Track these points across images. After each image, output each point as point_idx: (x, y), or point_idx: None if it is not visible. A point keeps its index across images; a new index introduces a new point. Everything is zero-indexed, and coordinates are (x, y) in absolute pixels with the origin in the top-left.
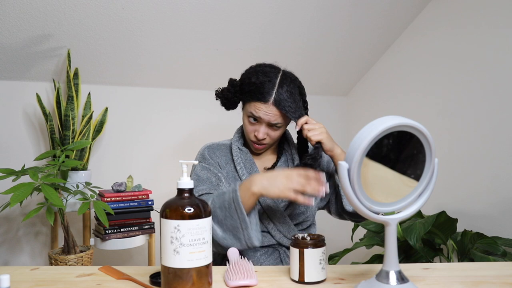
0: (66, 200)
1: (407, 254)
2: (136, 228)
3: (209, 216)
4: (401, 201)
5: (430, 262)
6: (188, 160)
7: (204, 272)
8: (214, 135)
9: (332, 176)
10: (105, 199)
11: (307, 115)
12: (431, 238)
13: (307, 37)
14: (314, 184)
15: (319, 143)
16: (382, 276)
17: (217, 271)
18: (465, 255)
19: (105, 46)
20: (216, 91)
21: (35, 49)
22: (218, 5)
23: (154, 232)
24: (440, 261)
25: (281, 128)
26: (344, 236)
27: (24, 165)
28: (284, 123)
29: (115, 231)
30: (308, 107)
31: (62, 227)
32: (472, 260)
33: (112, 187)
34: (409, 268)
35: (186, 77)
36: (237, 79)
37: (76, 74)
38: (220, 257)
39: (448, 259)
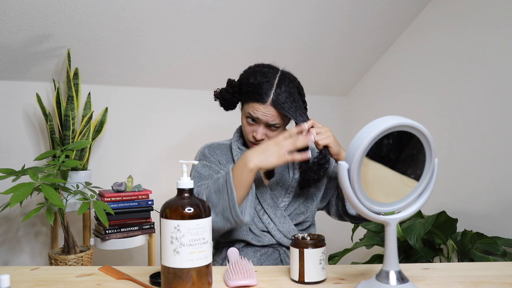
0: (66, 200)
1: (407, 254)
2: (136, 228)
3: (209, 216)
4: (401, 201)
5: (430, 262)
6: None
7: (204, 272)
8: (214, 135)
9: (334, 179)
10: (105, 199)
11: (306, 115)
12: (431, 238)
13: (307, 37)
14: (301, 138)
15: (326, 147)
16: (382, 276)
17: (217, 271)
18: (465, 255)
19: (105, 46)
20: (214, 91)
21: (35, 49)
22: (218, 5)
23: (154, 232)
24: (440, 261)
25: (280, 128)
26: (344, 236)
27: (24, 165)
28: (283, 123)
29: (115, 231)
30: (307, 107)
31: (62, 227)
32: (472, 260)
33: (112, 187)
34: (409, 268)
35: (186, 77)
36: (236, 80)
37: (76, 74)
38: (220, 257)
39: (448, 259)
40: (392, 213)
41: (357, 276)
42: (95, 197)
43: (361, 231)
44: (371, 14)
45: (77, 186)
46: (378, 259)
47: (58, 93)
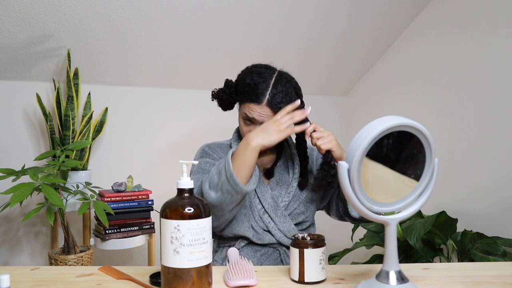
0: (66, 200)
1: (407, 254)
2: (136, 228)
3: (209, 216)
4: (401, 201)
5: (430, 262)
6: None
7: (204, 272)
8: (214, 135)
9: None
10: (105, 199)
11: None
12: (431, 238)
13: (307, 37)
14: (297, 112)
15: (329, 151)
16: (382, 276)
17: (217, 271)
18: (465, 255)
19: (105, 46)
20: (212, 92)
21: (35, 49)
22: (218, 5)
23: (154, 232)
24: (440, 261)
25: None
26: (344, 236)
27: (24, 165)
28: None
29: (115, 231)
30: (305, 107)
31: (62, 227)
32: (472, 260)
33: (112, 187)
34: (409, 268)
35: (186, 77)
36: (233, 80)
37: (76, 74)
38: (220, 257)
39: (448, 259)
40: (392, 213)
41: (357, 276)
42: (95, 197)
43: (361, 231)
44: (371, 14)
45: (77, 186)
46: (378, 259)
47: (58, 93)
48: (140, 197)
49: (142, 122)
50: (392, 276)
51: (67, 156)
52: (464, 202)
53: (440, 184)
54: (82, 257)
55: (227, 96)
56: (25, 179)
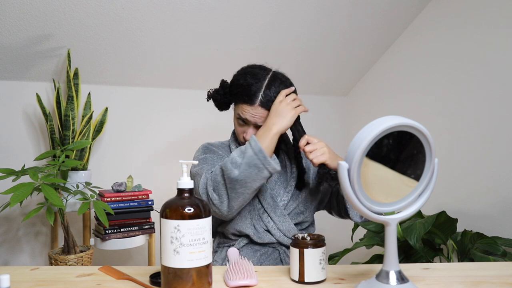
0: (66, 200)
1: (407, 254)
2: (136, 228)
3: (209, 216)
4: (401, 201)
5: (430, 262)
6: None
7: (204, 272)
8: (214, 135)
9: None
10: (105, 199)
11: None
12: (431, 238)
13: (307, 37)
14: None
15: (323, 164)
16: (382, 276)
17: (217, 271)
18: (465, 255)
19: (105, 46)
20: (208, 92)
21: (35, 49)
22: (218, 5)
23: (154, 232)
24: (440, 261)
25: None
26: (344, 236)
27: (24, 165)
28: None
29: (115, 231)
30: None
31: (62, 227)
32: (472, 260)
33: (112, 187)
34: (409, 268)
35: (186, 77)
36: (228, 81)
37: (76, 74)
38: (220, 257)
39: (448, 259)
40: (392, 213)
41: (357, 276)
42: (95, 197)
43: (361, 231)
44: (371, 14)
45: (77, 186)
46: (378, 259)
47: (58, 93)
48: (140, 197)
49: (142, 122)
50: (392, 276)
51: (67, 156)
52: (464, 202)
53: (440, 184)
54: (82, 257)
55: (221, 96)
56: (25, 179)
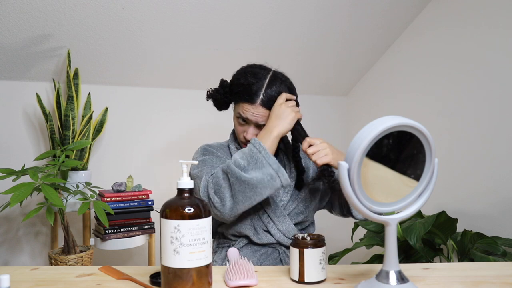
0: (66, 200)
1: (407, 254)
2: (136, 228)
3: (209, 216)
4: (401, 201)
5: (430, 262)
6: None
7: (204, 272)
8: (214, 135)
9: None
10: (105, 199)
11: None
12: (431, 238)
13: (307, 37)
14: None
15: (326, 164)
16: (382, 276)
17: (217, 271)
18: (465, 255)
19: (105, 46)
20: (207, 91)
21: (35, 49)
22: (218, 5)
23: (154, 232)
24: (440, 261)
25: None
26: (344, 236)
27: (24, 165)
28: None
29: (115, 231)
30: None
31: (62, 227)
32: (472, 260)
33: (112, 187)
34: (409, 268)
35: (186, 77)
36: (228, 80)
37: (76, 74)
38: (220, 257)
39: (448, 259)
40: (392, 213)
41: (357, 276)
42: (95, 197)
43: (361, 231)
44: (371, 14)
45: (77, 186)
46: (378, 259)
47: (58, 93)
48: (140, 197)
49: (142, 122)
50: (392, 276)
51: (67, 156)
52: (464, 202)
53: (440, 184)
54: (82, 257)
55: (221, 96)
56: (25, 179)
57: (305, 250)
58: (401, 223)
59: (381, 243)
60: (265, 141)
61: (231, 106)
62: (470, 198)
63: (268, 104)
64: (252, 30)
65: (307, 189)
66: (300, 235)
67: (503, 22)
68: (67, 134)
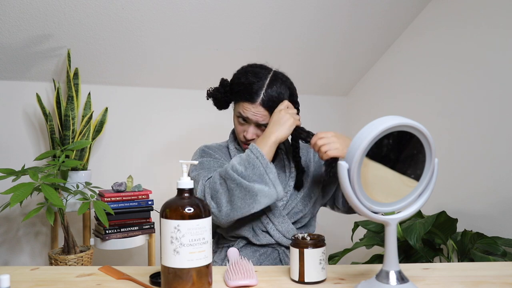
0: (66, 200)
1: (407, 254)
2: (136, 228)
3: (209, 216)
4: (401, 201)
5: (430, 262)
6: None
7: (204, 272)
8: (214, 135)
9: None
10: (105, 199)
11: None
12: (431, 238)
13: (307, 37)
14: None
15: (335, 158)
16: (382, 276)
17: (217, 271)
18: (465, 255)
19: (105, 46)
20: (207, 90)
21: (35, 49)
22: (218, 5)
23: (154, 232)
24: (440, 261)
25: None
26: (344, 236)
27: (24, 165)
28: None
29: (115, 231)
30: (299, 108)
31: (62, 227)
32: (472, 260)
33: (112, 187)
34: (409, 268)
35: (186, 77)
36: (229, 80)
37: (76, 74)
38: (220, 257)
39: (448, 259)
40: (392, 213)
41: (357, 276)
42: (95, 197)
43: (361, 231)
44: (371, 14)
45: (77, 186)
46: (378, 259)
47: (58, 93)
48: (140, 197)
49: (142, 122)
50: (392, 276)
51: (67, 156)
52: (464, 202)
53: (440, 184)
54: (82, 257)
55: (222, 95)
56: (25, 179)
57: (305, 250)
58: (401, 223)
59: (381, 243)
60: (262, 147)
61: (231, 105)
62: (470, 198)
63: (268, 104)
64: (252, 30)
65: (307, 188)
66: (300, 235)
67: (503, 22)
68: (67, 134)
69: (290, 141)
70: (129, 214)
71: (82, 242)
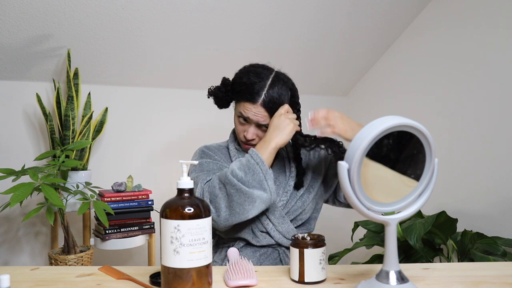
0: (66, 200)
1: (407, 254)
2: (136, 228)
3: (209, 216)
4: (401, 201)
5: (430, 262)
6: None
7: (204, 272)
8: (214, 135)
9: (334, 166)
10: (105, 199)
11: (299, 117)
12: (431, 238)
13: (307, 37)
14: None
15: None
16: (382, 276)
17: (217, 271)
18: (465, 255)
19: (105, 46)
20: (209, 89)
21: (35, 49)
22: (218, 5)
23: (154, 232)
24: (440, 261)
25: None
26: (344, 236)
27: (24, 165)
28: None
29: (115, 231)
30: (300, 109)
31: (62, 227)
32: (472, 260)
33: (112, 187)
34: (409, 268)
35: (186, 77)
36: (230, 79)
37: (76, 74)
38: (220, 257)
39: (448, 259)
40: (392, 213)
41: (357, 276)
42: (95, 197)
43: (361, 231)
44: (371, 14)
45: (77, 186)
46: (378, 259)
47: (58, 93)
48: (140, 197)
49: (142, 122)
50: (392, 276)
51: (67, 156)
52: (464, 202)
53: (440, 184)
54: (82, 257)
55: (223, 94)
56: (25, 179)
57: (305, 250)
58: (401, 223)
59: (381, 243)
60: (263, 152)
61: (231, 105)
62: (470, 198)
63: (269, 105)
64: (252, 30)
65: (306, 186)
66: (300, 235)
67: (503, 22)
68: (67, 134)
69: (291, 141)
70: (129, 214)
71: (82, 242)
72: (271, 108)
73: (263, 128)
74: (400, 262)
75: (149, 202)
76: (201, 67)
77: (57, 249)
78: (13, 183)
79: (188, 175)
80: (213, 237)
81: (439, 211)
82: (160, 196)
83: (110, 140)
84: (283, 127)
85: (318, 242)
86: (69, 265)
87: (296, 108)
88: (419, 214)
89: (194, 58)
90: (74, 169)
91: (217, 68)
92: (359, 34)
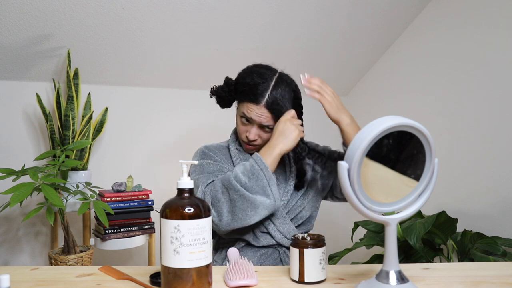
0: (66, 200)
1: (407, 254)
2: (136, 228)
3: (209, 216)
4: (401, 201)
5: (430, 262)
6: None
7: (204, 272)
8: (214, 135)
9: (331, 162)
10: (105, 199)
11: (302, 119)
12: (431, 238)
13: (307, 37)
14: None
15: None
16: (382, 276)
17: (217, 271)
18: (465, 255)
19: (105, 46)
20: (211, 88)
21: (35, 49)
22: (218, 5)
23: (154, 232)
24: (440, 261)
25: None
26: (344, 236)
27: (24, 165)
28: None
29: (115, 231)
30: (303, 111)
31: (62, 227)
32: (472, 260)
33: (112, 187)
34: (409, 268)
35: (186, 77)
36: (233, 79)
37: (76, 74)
38: (220, 257)
39: (448, 259)
40: (392, 213)
41: (357, 276)
42: (95, 197)
43: (361, 231)
44: (371, 14)
45: (77, 186)
46: (378, 259)
47: (58, 93)
48: (140, 197)
49: (142, 122)
50: (392, 276)
51: (67, 156)
52: (464, 202)
53: (440, 184)
54: (82, 257)
55: (226, 94)
56: (25, 179)
57: (305, 250)
58: (401, 223)
59: (381, 243)
60: (267, 158)
61: (234, 105)
62: (470, 198)
63: (272, 106)
64: (252, 30)
65: (306, 185)
66: (300, 235)
67: (503, 22)
68: (67, 134)
69: None
70: (129, 214)
71: (82, 242)
72: (274, 109)
73: (266, 128)
74: (400, 262)
75: (149, 202)
76: (201, 67)
77: (57, 249)
78: (13, 183)
79: (188, 175)
80: (213, 237)
81: (439, 211)
82: (160, 196)
83: (110, 140)
84: (288, 133)
85: (318, 242)
86: (69, 265)
87: (299, 110)
88: (419, 214)
89: (194, 58)
90: (74, 169)
91: (217, 68)
92: (359, 34)
